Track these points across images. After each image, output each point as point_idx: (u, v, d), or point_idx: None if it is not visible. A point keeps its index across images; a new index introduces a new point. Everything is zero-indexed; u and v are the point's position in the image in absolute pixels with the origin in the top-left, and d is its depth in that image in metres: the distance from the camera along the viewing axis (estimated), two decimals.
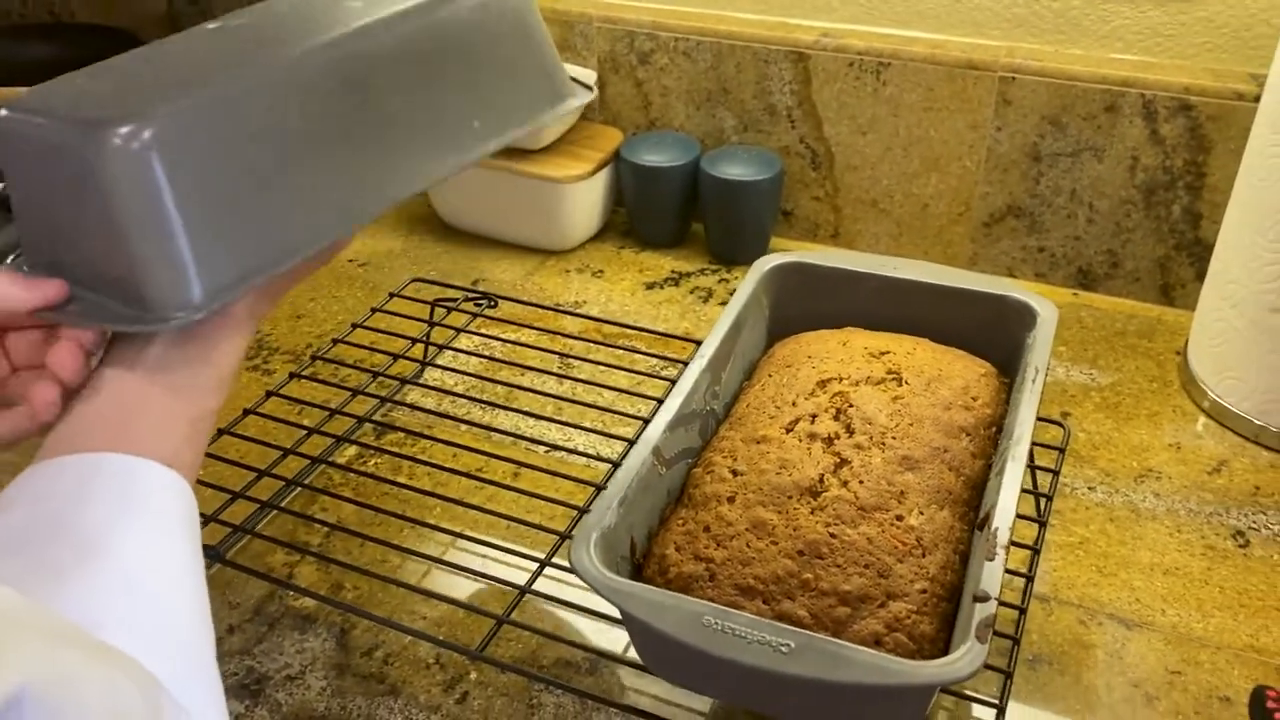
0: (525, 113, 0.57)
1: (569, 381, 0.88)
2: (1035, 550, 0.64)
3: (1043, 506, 0.67)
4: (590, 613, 0.66)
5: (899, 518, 0.55)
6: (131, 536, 0.42)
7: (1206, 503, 0.76)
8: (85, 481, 0.43)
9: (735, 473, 0.59)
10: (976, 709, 0.63)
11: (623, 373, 0.87)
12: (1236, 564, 0.72)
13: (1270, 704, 0.58)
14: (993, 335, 0.68)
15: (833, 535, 0.54)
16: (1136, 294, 0.97)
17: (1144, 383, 0.88)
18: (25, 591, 0.38)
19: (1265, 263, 0.77)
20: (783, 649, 0.47)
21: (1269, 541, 0.73)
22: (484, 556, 0.72)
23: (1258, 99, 0.84)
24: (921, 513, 0.55)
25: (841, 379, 0.63)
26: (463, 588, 0.70)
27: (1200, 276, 0.92)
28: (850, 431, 0.59)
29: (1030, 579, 0.62)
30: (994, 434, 0.63)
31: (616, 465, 0.73)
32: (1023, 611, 0.60)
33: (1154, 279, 0.96)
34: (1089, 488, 0.78)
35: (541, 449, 0.82)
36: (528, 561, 0.70)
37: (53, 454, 0.44)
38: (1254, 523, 0.75)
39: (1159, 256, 0.95)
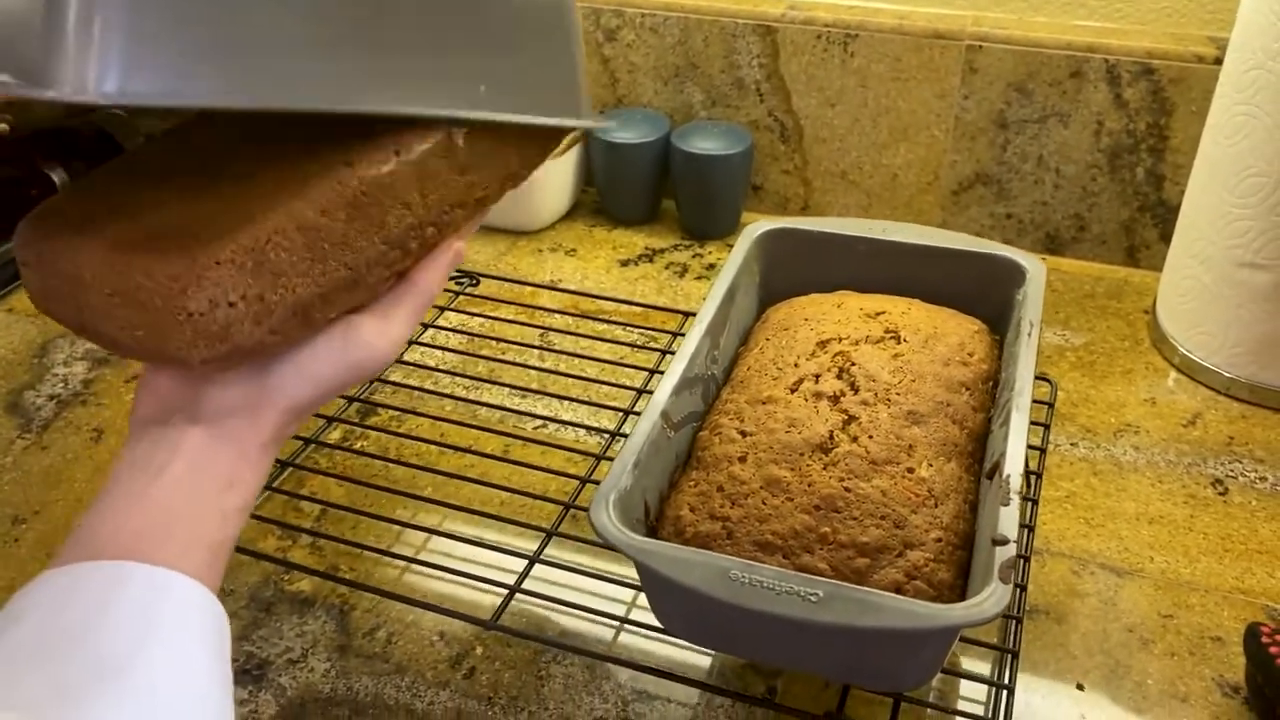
0: (533, 106, 0.54)
1: (553, 356, 0.88)
2: (1033, 501, 0.65)
3: (1036, 459, 0.68)
4: (594, 577, 0.66)
5: (910, 470, 0.56)
6: (156, 659, 0.38)
7: (1184, 454, 0.79)
8: (109, 594, 0.39)
9: (744, 433, 0.59)
10: (976, 664, 0.64)
11: (607, 346, 0.87)
12: (1217, 511, 0.74)
13: (1265, 639, 0.60)
14: (981, 294, 0.69)
15: (847, 489, 0.55)
16: (1103, 257, 1.00)
17: (1115, 342, 0.90)
18: (37, 715, 0.35)
19: (1232, 219, 0.79)
20: (812, 598, 0.47)
21: (1246, 488, 0.76)
22: (481, 531, 0.72)
23: (1217, 61, 0.87)
24: (930, 464, 0.56)
25: (841, 339, 0.63)
26: (461, 563, 0.70)
27: (1164, 238, 0.95)
28: (855, 389, 0.60)
29: (1031, 528, 0.64)
30: (991, 388, 0.64)
31: (613, 435, 0.73)
32: (1026, 559, 0.61)
33: (1120, 241, 0.98)
34: (1071, 444, 0.80)
35: (530, 424, 0.82)
36: (529, 532, 0.70)
37: (75, 557, 0.41)
38: (1231, 471, 0.77)
39: (1124, 219, 0.97)
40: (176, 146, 0.49)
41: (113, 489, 0.43)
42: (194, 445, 0.43)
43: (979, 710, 0.61)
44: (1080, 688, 0.62)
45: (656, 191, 1.07)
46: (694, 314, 0.69)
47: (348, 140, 0.46)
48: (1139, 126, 0.93)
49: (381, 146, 0.46)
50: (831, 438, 0.57)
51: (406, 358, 0.87)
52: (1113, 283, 0.98)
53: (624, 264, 1.03)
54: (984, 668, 0.63)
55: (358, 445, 0.80)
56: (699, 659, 0.64)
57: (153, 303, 0.40)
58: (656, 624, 0.57)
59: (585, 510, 0.54)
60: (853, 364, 0.61)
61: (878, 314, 0.66)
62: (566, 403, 0.82)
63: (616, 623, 0.66)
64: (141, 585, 0.40)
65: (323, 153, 0.45)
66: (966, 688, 0.62)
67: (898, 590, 0.51)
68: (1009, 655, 0.57)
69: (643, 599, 0.66)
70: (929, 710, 0.61)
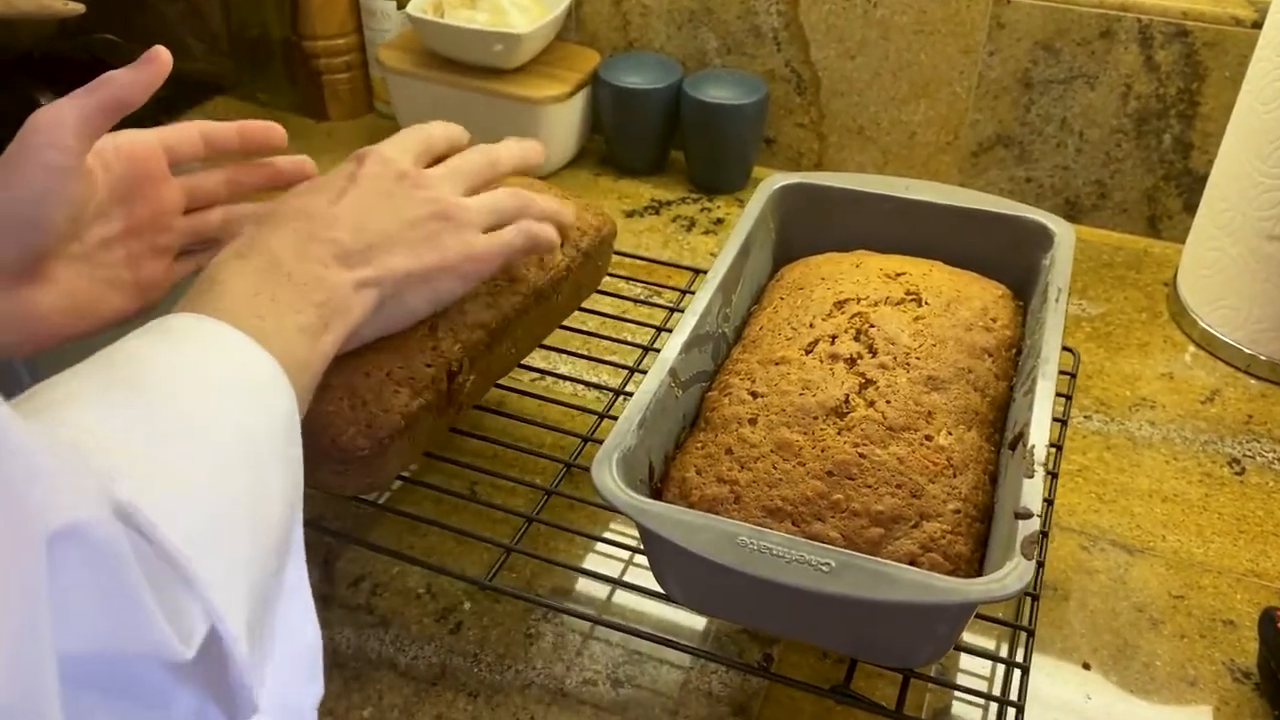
0: None
1: None
2: (1054, 475, 0.63)
3: (1057, 431, 0.66)
4: (590, 537, 0.64)
5: (928, 438, 0.53)
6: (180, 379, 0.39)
7: (1201, 431, 0.76)
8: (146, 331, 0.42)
9: (755, 394, 0.56)
10: (981, 640, 0.62)
11: (609, 299, 0.84)
12: (1233, 491, 0.72)
13: None
14: (1005, 257, 0.67)
15: (862, 456, 0.52)
16: (1124, 226, 0.97)
17: (1133, 313, 0.88)
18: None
19: (1263, 189, 0.76)
20: (823, 568, 0.45)
21: (1264, 469, 0.73)
22: (474, 484, 0.70)
23: (1255, 25, 0.83)
24: (950, 433, 0.54)
25: (859, 300, 0.61)
26: (453, 515, 0.68)
27: (1188, 208, 0.92)
28: (873, 352, 0.57)
29: (1050, 503, 0.61)
30: (1014, 356, 0.61)
31: (618, 393, 0.71)
32: (1045, 535, 0.59)
33: (1142, 210, 0.95)
34: (1085, 416, 0.77)
35: (526, 376, 0.79)
36: (524, 488, 0.67)
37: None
38: (1249, 451, 0.75)
39: (1148, 187, 0.94)
40: None
41: None
42: None
43: (985, 687, 0.59)
44: (1087, 667, 0.61)
45: (665, 141, 1.04)
46: (701, 270, 0.66)
47: None
48: (1169, 91, 0.89)
49: None
50: (847, 401, 0.54)
51: None
52: (1132, 253, 0.95)
53: (629, 215, 0.99)
54: (989, 644, 0.61)
55: None
56: (693, 623, 0.62)
57: None
58: (651, 585, 0.55)
59: (585, 469, 0.51)
60: (871, 326, 0.58)
61: (898, 275, 0.63)
62: (564, 356, 0.79)
63: (610, 583, 0.64)
64: (178, 328, 0.43)
65: None
66: (975, 664, 0.60)
67: (912, 562, 0.49)
68: (1024, 634, 0.55)
69: (638, 559, 0.64)
70: (936, 686, 0.59)
